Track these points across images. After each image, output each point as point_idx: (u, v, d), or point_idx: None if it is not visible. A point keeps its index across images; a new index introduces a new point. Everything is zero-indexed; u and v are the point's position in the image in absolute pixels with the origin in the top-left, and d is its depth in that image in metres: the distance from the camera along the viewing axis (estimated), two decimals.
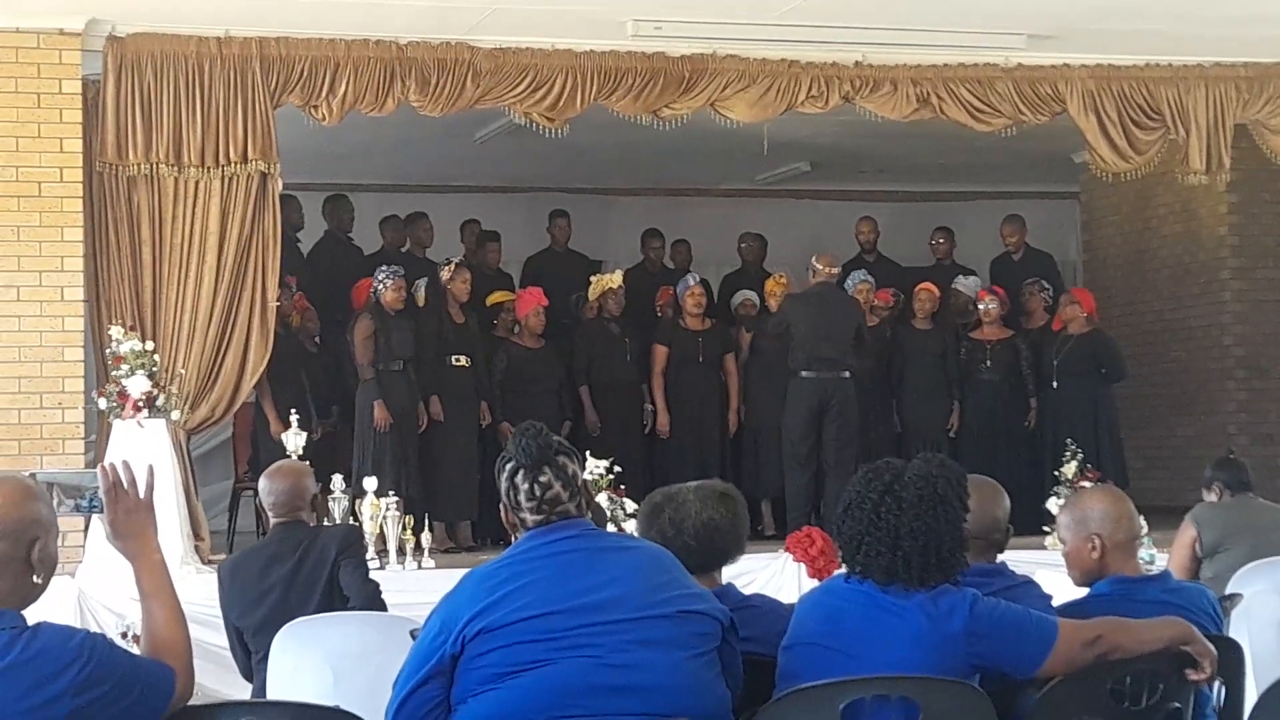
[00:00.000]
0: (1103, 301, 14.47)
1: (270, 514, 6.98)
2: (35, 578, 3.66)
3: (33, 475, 3.86)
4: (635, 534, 5.01)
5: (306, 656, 6.00)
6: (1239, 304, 15.10)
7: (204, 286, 10.89)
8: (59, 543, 3.75)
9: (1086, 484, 11.07)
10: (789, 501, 12.42)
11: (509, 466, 4.29)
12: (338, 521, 9.91)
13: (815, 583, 9.91)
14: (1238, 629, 6.12)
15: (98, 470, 3.83)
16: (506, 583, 4.15)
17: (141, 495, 3.82)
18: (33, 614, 3.69)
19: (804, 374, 12.41)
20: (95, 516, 3.99)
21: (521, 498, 4.25)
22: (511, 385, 12.54)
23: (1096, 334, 13.32)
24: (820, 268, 12.75)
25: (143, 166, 10.81)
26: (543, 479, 4.24)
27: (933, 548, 4.31)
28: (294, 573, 6.76)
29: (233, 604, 6.89)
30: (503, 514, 4.34)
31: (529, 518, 4.26)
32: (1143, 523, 5.22)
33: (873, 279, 13.56)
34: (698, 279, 13.53)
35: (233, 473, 13.36)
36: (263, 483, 6.97)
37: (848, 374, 12.52)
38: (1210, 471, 8.86)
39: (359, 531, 8.55)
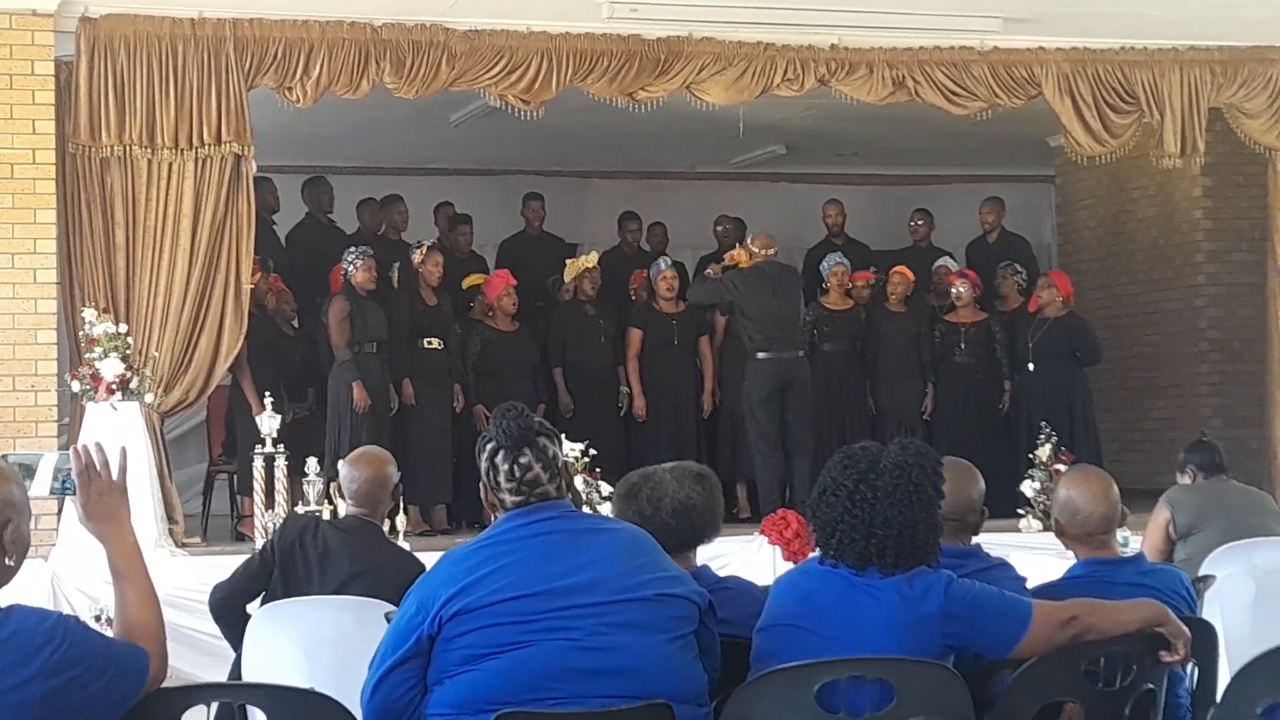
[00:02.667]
0: (1078, 285, 14.49)
1: (349, 501, 6.69)
2: (7, 560, 3.63)
3: (4, 457, 3.84)
4: (612, 516, 5.01)
5: (281, 639, 5.99)
6: (1213, 287, 15.13)
7: (177, 269, 10.86)
8: (32, 525, 3.73)
9: (1061, 467, 11.10)
10: (760, 484, 12.41)
11: (489, 447, 4.28)
12: (313, 505, 9.87)
13: (790, 565, 9.93)
14: (1211, 610, 6.15)
15: (70, 452, 3.81)
16: (485, 564, 4.14)
17: (115, 477, 3.80)
18: (5, 596, 3.67)
19: (761, 355, 12.38)
20: (68, 499, 3.97)
21: (501, 478, 4.25)
22: (486, 368, 12.53)
23: (1071, 317, 13.34)
24: (757, 249, 12.72)
25: (116, 148, 10.77)
26: (523, 460, 4.24)
27: (907, 535, 4.32)
28: (345, 582, 6.53)
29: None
30: (482, 494, 4.34)
31: (508, 499, 4.26)
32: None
33: (847, 261, 13.55)
34: (669, 262, 13.53)
35: (207, 456, 13.33)
36: (343, 469, 6.72)
37: (802, 353, 12.53)
38: (1184, 454, 8.88)
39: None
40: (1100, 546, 5.05)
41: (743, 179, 17.48)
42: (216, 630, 6.71)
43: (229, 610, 6.56)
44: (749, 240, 13.00)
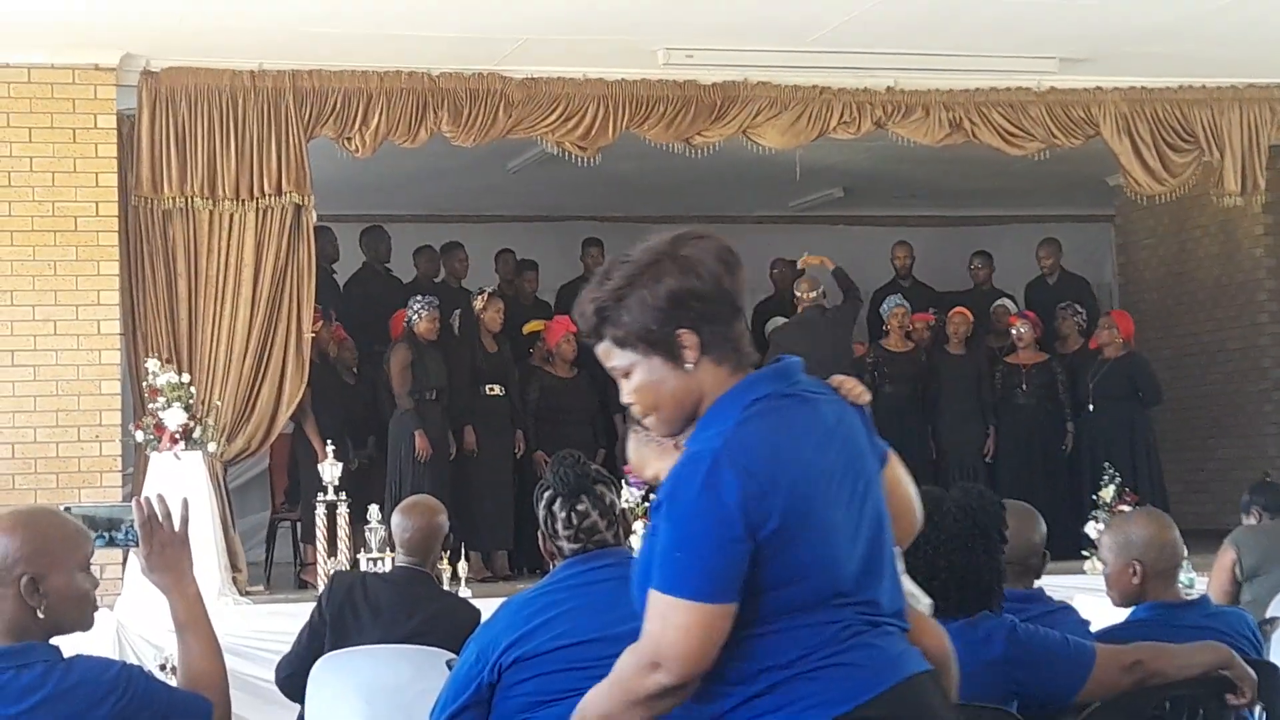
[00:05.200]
0: (1139, 324, 14.42)
1: (400, 550, 6.66)
2: (38, 612, 3.60)
3: (68, 509, 3.86)
4: None
5: (342, 689, 5.99)
6: (1276, 325, 15.04)
7: (239, 319, 10.92)
8: (98, 575, 3.74)
9: (1125, 508, 11.02)
10: None
11: (546, 495, 4.30)
12: (374, 552, 9.88)
13: None
14: (1278, 653, 6.09)
15: (133, 504, 3.83)
16: (543, 611, 4.16)
17: (176, 528, 3.82)
18: (71, 646, 3.69)
19: None
20: (131, 550, 3.98)
21: (559, 526, 4.26)
22: (545, 414, 12.55)
23: (1132, 357, 13.26)
24: (800, 294, 12.70)
25: (178, 200, 10.86)
26: (580, 508, 4.25)
27: (971, 579, 4.30)
28: (405, 639, 6.47)
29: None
30: (541, 542, 4.35)
31: (566, 546, 4.27)
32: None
33: (908, 303, 13.53)
34: None
35: (270, 504, 13.37)
36: (396, 518, 6.70)
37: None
38: (1248, 495, 8.82)
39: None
40: (1166, 589, 5.01)
41: (801, 222, 17.45)
42: None
43: (296, 687, 6.51)
44: (794, 287, 12.98)
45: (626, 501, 10.14)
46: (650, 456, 3.82)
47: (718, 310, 3.13)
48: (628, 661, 3.10)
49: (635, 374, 3.20)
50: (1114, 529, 5.07)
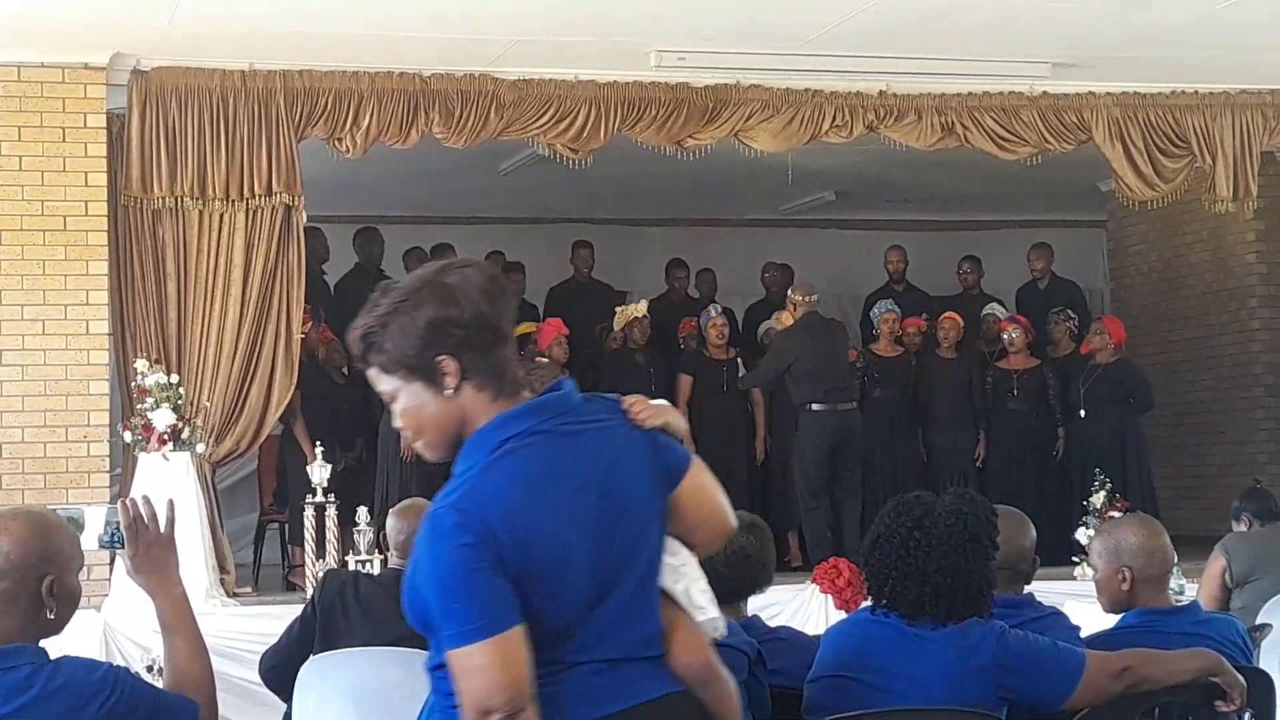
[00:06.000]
0: (1131, 330, 14.43)
1: (394, 552, 6.65)
2: (48, 613, 3.64)
3: (53, 510, 3.85)
4: None
5: (330, 691, 5.97)
6: (1268, 332, 15.04)
7: (228, 319, 10.90)
8: (84, 576, 3.74)
9: (1115, 514, 11.01)
10: (807, 534, 12.33)
11: None
12: (363, 554, 9.87)
13: (842, 614, 9.88)
14: (1268, 659, 6.08)
15: (118, 506, 3.82)
16: None
17: (163, 530, 3.81)
18: (57, 647, 3.69)
19: (815, 406, 12.27)
20: (118, 552, 3.98)
21: None
22: None
23: (1123, 363, 13.26)
24: (799, 299, 12.67)
25: (167, 200, 10.84)
26: None
27: (961, 585, 4.28)
28: (394, 641, 6.44)
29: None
30: None
31: None
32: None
33: (899, 308, 13.53)
34: (720, 309, 13.53)
35: (258, 505, 13.36)
36: (390, 520, 6.71)
37: (855, 404, 12.44)
38: (1239, 502, 8.82)
39: None
40: (1156, 595, 5.00)
41: (792, 225, 17.47)
42: None
43: (279, 677, 6.50)
44: (790, 291, 12.97)
45: None
46: None
47: (477, 338, 3.21)
48: None
49: (400, 399, 3.28)
50: (1104, 535, 5.06)
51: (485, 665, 3.04)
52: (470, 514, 3.10)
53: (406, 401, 3.27)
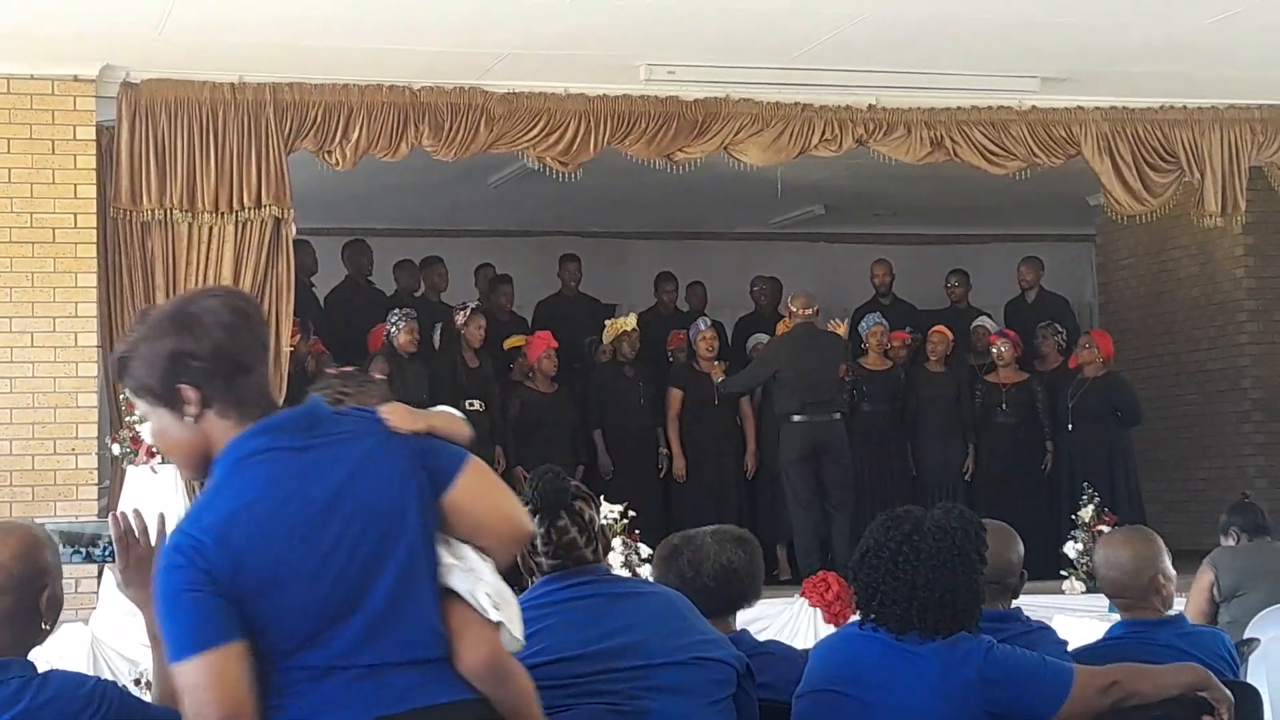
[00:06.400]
0: (1119, 344, 14.44)
1: None
2: (44, 624, 3.68)
3: (41, 524, 3.87)
4: (652, 578, 5.00)
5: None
6: (1256, 346, 15.06)
7: None
8: (73, 589, 3.76)
9: (1104, 528, 11.03)
10: (797, 546, 12.32)
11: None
12: None
13: (832, 628, 9.88)
14: (1255, 674, 6.10)
15: (109, 519, 3.82)
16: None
17: (152, 544, 3.81)
18: (45, 661, 3.70)
19: (795, 418, 12.27)
20: (107, 565, 3.98)
21: (538, 542, 4.25)
22: (525, 429, 12.54)
23: (1112, 377, 13.27)
24: (795, 309, 12.67)
25: (157, 212, 10.83)
26: (559, 524, 4.24)
27: (949, 599, 4.28)
28: None
29: None
30: (519, 558, 4.33)
31: (545, 563, 4.26)
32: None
33: (886, 322, 13.54)
34: (709, 322, 13.53)
35: None
36: None
37: (838, 415, 12.44)
38: (1227, 516, 8.83)
39: None
40: (1138, 607, 5.01)
41: (781, 239, 17.48)
42: None
43: None
44: (788, 301, 12.98)
45: (606, 518, 10.12)
46: None
47: (216, 369, 3.31)
48: None
49: (150, 421, 3.42)
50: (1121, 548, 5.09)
51: (198, 682, 3.13)
52: (186, 534, 3.20)
53: (155, 425, 3.39)
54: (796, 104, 11.88)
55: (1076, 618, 9.37)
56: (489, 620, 3.38)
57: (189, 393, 3.31)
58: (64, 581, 3.81)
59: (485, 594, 3.40)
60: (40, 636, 3.69)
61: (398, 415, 3.42)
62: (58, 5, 9.70)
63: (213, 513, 3.24)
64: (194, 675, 3.14)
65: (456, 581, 3.38)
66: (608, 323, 13.42)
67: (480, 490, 3.48)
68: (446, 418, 3.54)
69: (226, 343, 3.31)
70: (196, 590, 3.15)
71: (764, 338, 13.76)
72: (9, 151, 10.58)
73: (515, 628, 3.45)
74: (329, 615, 3.22)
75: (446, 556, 3.38)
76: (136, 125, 10.82)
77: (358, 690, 3.22)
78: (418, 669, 3.28)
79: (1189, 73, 11.81)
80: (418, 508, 3.34)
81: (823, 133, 11.96)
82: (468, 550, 3.42)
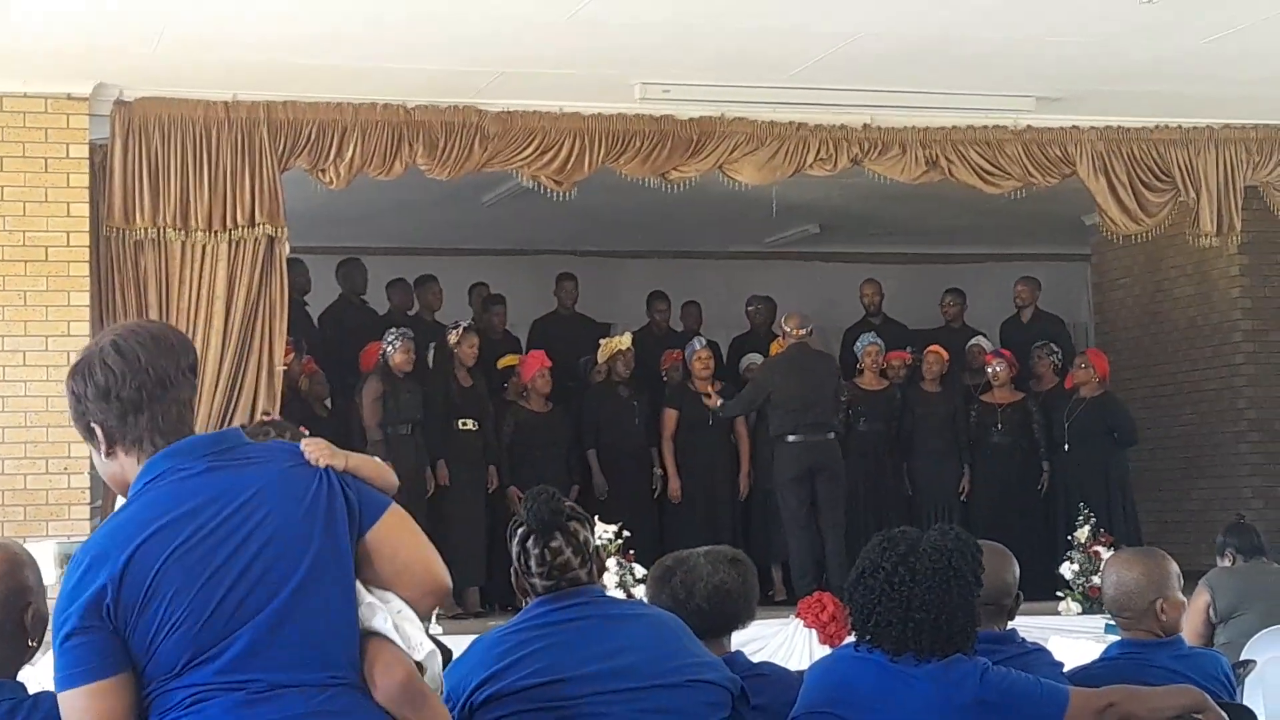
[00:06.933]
0: (1115, 364, 14.43)
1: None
2: (30, 641, 3.68)
3: (18, 542, 3.89)
4: (645, 599, 4.98)
5: None
6: (1252, 366, 15.04)
7: (210, 350, 10.85)
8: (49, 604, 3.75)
9: (1100, 549, 11.02)
10: (793, 566, 12.29)
11: (520, 531, 4.27)
12: None
13: (827, 649, 9.85)
14: (1252, 696, 6.07)
15: None
16: (516, 649, 4.13)
17: None
18: (36, 682, 3.69)
19: (790, 438, 12.25)
20: None
21: (532, 563, 4.23)
22: (519, 449, 12.51)
23: (1107, 397, 13.26)
24: (789, 330, 12.64)
25: (150, 230, 10.80)
26: (554, 544, 4.22)
27: (944, 620, 4.26)
28: None
29: None
30: (513, 579, 4.31)
31: (539, 584, 4.24)
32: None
33: (881, 341, 13.52)
34: (704, 342, 13.50)
35: None
36: None
37: (833, 435, 12.40)
38: (1223, 537, 8.81)
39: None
40: (1137, 627, 4.99)
41: (776, 258, 17.47)
42: None
43: None
44: (782, 321, 12.96)
45: (600, 539, 10.09)
46: None
47: (107, 410, 3.39)
48: None
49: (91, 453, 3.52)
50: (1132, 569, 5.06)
51: (76, 711, 3.22)
52: (76, 561, 3.28)
53: (93, 457, 3.50)
54: (791, 123, 11.87)
55: (1072, 639, 9.35)
56: (409, 654, 3.40)
57: (97, 431, 3.41)
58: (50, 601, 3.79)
59: (411, 630, 3.44)
60: (28, 654, 3.69)
61: (318, 449, 3.45)
62: (51, 23, 9.68)
63: (102, 539, 3.30)
64: (77, 702, 3.21)
65: (379, 622, 3.40)
66: (602, 342, 13.40)
67: (402, 536, 3.48)
68: (374, 464, 3.54)
69: (113, 384, 3.38)
70: (87, 629, 3.21)
71: (757, 358, 13.74)
72: (1, 170, 10.57)
73: (435, 670, 3.50)
74: (217, 630, 3.23)
75: (367, 597, 3.40)
76: (130, 143, 10.80)
77: (249, 714, 3.22)
78: (319, 691, 3.28)
79: (1184, 92, 11.81)
80: (325, 532, 3.35)
81: (818, 152, 11.95)
82: (393, 596, 3.45)
